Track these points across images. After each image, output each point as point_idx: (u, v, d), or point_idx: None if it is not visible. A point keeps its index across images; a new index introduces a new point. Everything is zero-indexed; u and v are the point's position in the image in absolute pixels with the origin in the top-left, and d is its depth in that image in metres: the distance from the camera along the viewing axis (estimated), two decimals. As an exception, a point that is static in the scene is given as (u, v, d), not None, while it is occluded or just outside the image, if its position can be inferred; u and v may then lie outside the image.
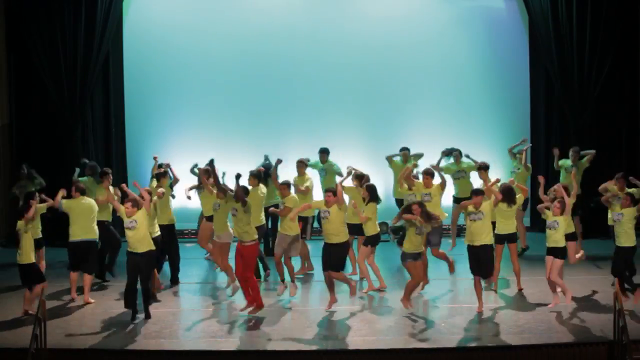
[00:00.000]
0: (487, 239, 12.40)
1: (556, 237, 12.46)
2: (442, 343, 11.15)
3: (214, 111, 17.97)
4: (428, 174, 13.83)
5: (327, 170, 16.04)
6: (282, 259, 13.15)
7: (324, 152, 16.20)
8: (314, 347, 11.07)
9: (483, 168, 14.37)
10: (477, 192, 12.58)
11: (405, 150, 16.33)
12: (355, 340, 11.27)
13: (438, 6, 18.01)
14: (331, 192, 12.47)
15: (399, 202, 15.89)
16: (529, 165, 16.22)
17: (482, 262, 12.36)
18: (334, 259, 12.44)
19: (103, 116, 17.69)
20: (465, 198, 13.64)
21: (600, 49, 17.21)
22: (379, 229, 13.51)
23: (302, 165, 14.99)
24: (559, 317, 12.09)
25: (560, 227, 12.43)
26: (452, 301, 13.02)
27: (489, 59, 18.01)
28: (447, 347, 11.04)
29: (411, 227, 12.25)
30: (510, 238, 13.38)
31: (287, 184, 13.39)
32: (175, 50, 17.76)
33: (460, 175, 15.96)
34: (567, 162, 16.01)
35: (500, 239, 13.26)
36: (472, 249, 12.42)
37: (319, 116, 17.94)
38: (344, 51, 17.80)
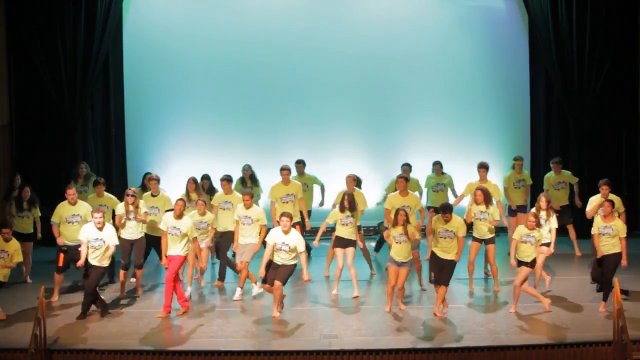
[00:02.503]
0: (453, 255, 12.51)
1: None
2: (442, 343, 11.16)
3: (214, 111, 17.95)
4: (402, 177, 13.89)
5: (309, 185, 15.85)
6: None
7: (301, 163, 15.95)
8: (314, 347, 11.08)
9: (483, 167, 14.63)
10: (446, 209, 12.60)
11: (406, 165, 16.12)
12: (355, 340, 11.28)
13: (438, 6, 17.99)
14: (288, 217, 12.38)
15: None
16: (527, 172, 16.18)
17: (444, 272, 12.48)
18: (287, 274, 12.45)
19: (103, 116, 17.67)
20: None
21: (600, 49, 17.19)
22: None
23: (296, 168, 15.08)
24: (558, 317, 12.10)
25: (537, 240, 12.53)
26: (451, 301, 13.01)
27: (489, 59, 17.99)
28: (447, 347, 11.04)
29: (391, 234, 12.43)
30: (488, 241, 13.54)
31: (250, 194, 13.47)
32: (175, 50, 17.74)
33: (439, 189, 15.91)
34: (551, 175, 15.92)
35: (477, 240, 13.60)
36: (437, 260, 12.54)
37: (318, 116, 17.91)
38: (343, 52, 17.76)
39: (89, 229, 12.44)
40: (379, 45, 17.77)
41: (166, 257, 12.62)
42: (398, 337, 11.39)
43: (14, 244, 12.39)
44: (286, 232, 12.32)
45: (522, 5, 17.64)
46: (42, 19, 16.87)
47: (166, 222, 12.72)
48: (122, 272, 13.44)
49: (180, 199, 12.86)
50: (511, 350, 10.96)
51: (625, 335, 10.53)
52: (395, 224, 12.51)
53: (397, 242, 12.43)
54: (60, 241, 13.32)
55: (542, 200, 13.44)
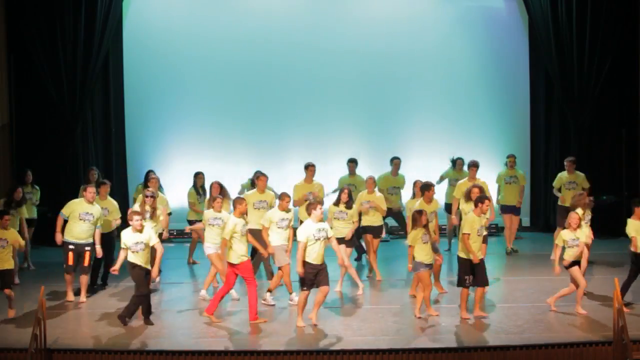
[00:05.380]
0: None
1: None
2: (442, 343, 11.15)
3: (214, 111, 17.98)
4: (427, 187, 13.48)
5: (357, 186, 15.49)
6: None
7: (353, 162, 15.88)
8: (314, 347, 11.08)
9: (473, 166, 14.62)
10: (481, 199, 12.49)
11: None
12: (355, 340, 11.28)
13: (438, 7, 18.02)
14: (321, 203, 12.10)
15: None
16: (522, 173, 16.13)
17: (481, 272, 12.26)
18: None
19: (103, 116, 17.70)
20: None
21: (600, 49, 17.20)
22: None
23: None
24: (558, 317, 12.09)
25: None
26: (452, 301, 13.01)
27: (489, 60, 18.01)
28: (447, 347, 11.04)
29: (417, 236, 12.19)
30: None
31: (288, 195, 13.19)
32: (175, 50, 17.76)
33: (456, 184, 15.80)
34: (564, 175, 15.75)
35: None
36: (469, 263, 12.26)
37: (318, 115, 17.94)
38: (344, 52, 17.79)
39: (127, 234, 11.98)
40: (379, 46, 17.79)
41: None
42: (398, 337, 11.38)
43: (12, 232, 12.44)
44: (320, 220, 11.89)
45: (522, 5, 17.66)
46: (42, 19, 16.87)
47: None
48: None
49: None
50: (511, 350, 10.95)
51: (625, 335, 10.52)
52: (416, 225, 12.16)
53: (424, 242, 12.11)
54: (58, 237, 13.14)
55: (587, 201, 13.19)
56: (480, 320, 11.98)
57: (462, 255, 12.13)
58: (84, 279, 13.24)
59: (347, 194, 13.46)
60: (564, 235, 12.29)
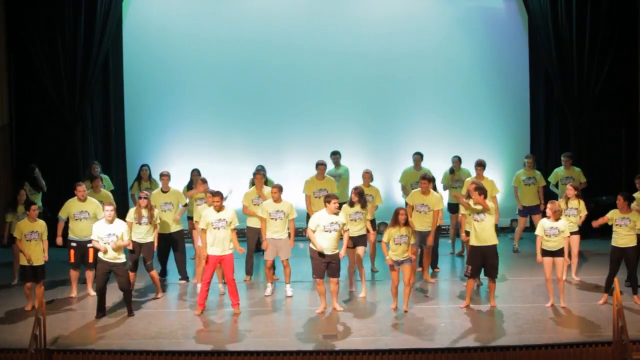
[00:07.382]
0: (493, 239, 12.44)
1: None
2: (442, 343, 11.16)
3: (214, 110, 17.96)
4: (425, 178, 13.74)
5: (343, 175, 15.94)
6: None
7: (337, 155, 16.14)
8: (314, 347, 11.08)
9: (480, 165, 14.71)
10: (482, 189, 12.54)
11: (417, 155, 16.07)
12: (355, 340, 11.28)
13: (438, 7, 17.99)
14: (336, 198, 12.40)
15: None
16: (539, 173, 16.11)
17: (488, 263, 12.42)
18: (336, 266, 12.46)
19: (103, 116, 17.69)
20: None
21: (600, 49, 17.19)
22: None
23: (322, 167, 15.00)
24: (558, 317, 12.11)
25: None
26: (452, 301, 13.02)
27: (489, 60, 17.99)
28: (447, 347, 11.04)
29: (392, 235, 12.31)
30: None
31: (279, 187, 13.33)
32: (175, 50, 17.75)
33: (457, 185, 15.72)
34: (561, 170, 15.87)
35: None
36: (478, 250, 12.43)
37: (318, 115, 17.92)
38: (343, 51, 17.76)
39: (99, 226, 12.34)
40: (378, 46, 17.77)
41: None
42: (398, 337, 11.40)
43: (42, 223, 12.61)
44: (335, 213, 12.28)
45: (522, 5, 17.65)
46: (42, 19, 16.87)
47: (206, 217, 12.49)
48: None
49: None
50: (511, 350, 10.96)
51: (625, 335, 10.53)
52: (395, 223, 12.31)
53: (396, 244, 12.27)
54: (59, 240, 13.36)
55: (570, 190, 13.47)
56: (483, 317, 12.06)
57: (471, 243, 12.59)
58: (90, 274, 13.43)
59: (357, 193, 13.20)
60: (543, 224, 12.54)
